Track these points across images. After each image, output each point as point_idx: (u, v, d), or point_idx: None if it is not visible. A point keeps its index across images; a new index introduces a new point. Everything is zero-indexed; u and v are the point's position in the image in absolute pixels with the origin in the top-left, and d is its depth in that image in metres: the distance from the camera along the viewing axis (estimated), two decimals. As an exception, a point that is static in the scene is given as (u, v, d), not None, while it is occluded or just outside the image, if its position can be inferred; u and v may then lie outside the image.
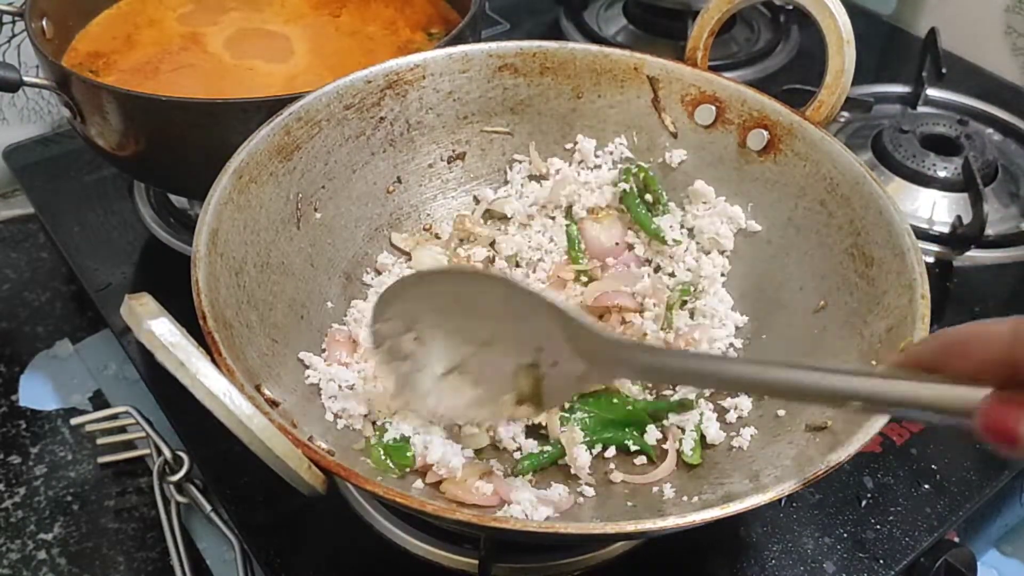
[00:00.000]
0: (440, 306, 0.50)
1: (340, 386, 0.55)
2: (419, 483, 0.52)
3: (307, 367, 0.56)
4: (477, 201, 0.70)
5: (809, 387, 0.38)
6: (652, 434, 0.56)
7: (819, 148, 0.60)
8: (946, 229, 0.82)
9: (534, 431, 0.57)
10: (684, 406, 0.57)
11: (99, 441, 0.73)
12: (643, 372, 0.48)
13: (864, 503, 0.62)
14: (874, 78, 1.01)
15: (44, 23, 0.76)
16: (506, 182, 0.70)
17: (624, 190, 0.66)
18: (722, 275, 0.65)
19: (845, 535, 0.61)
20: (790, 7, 1.09)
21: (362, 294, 0.63)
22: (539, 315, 0.46)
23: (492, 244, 0.67)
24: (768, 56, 1.08)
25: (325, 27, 0.84)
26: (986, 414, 0.32)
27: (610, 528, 0.41)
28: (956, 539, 0.63)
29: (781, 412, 0.55)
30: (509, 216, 0.68)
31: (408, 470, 0.52)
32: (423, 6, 0.88)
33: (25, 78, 0.69)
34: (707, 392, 0.58)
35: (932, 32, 1.01)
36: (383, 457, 0.52)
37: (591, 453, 0.55)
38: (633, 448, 0.56)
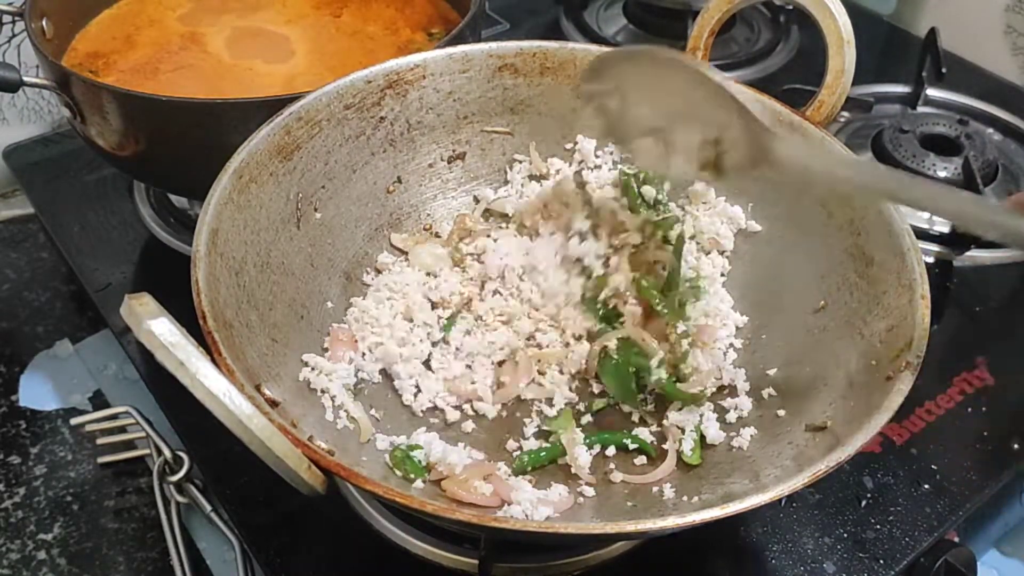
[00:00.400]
0: (643, 82, 0.56)
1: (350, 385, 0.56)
2: (419, 482, 0.52)
3: (307, 367, 0.56)
4: (477, 201, 0.70)
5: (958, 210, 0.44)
6: (647, 435, 0.57)
7: (819, 148, 0.60)
8: (946, 229, 0.82)
9: (544, 435, 0.57)
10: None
11: (99, 441, 0.73)
12: (811, 176, 0.52)
13: (864, 503, 0.62)
14: (874, 78, 1.01)
15: (44, 23, 0.76)
16: (506, 182, 0.70)
17: (625, 179, 0.66)
18: (722, 275, 0.65)
19: (845, 535, 0.61)
20: (790, 7, 1.09)
21: (362, 293, 0.63)
22: (725, 108, 0.51)
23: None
24: (768, 56, 1.08)
25: (326, 27, 0.84)
26: None
27: (610, 528, 0.41)
28: (956, 539, 0.63)
29: (781, 412, 0.55)
30: (510, 215, 0.68)
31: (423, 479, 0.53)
32: (423, 6, 0.88)
33: (25, 78, 0.69)
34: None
35: (932, 32, 1.01)
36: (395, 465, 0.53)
37: (591, 453, 0.55)
38: (632, 447, 0.56)
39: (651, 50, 0.56)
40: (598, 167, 0.69)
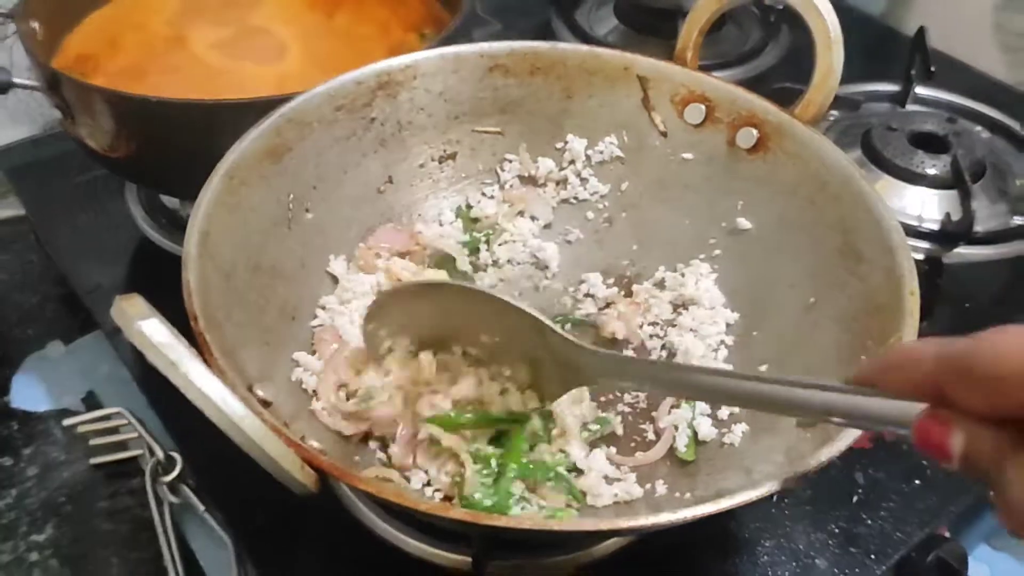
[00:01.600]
0: (431, 313, 0.53)
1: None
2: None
3: (299, 367, 0.56)
4: (469, 207, 0.70)
5: (768, 398, 0.41)
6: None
7: (808, 146, 0.61)
8: (935, 226, 0.83)
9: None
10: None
11: (91, 442, 0.72)
12: (617, 378, 0.51)
13: (855, 498, 0.63)
14: (863, 77, 1.01)
15: (35, 25, 0.76)
16: (498, 182, 0.70)
17: None
18: (712, 271, 0.65)
19: (837, 530, 0.61)
20: (780, 6, 1.09)
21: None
22: (524, 326, 0.50)
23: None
24: (758, 55, 1.08)
25: (318, 28, 0.84)
26: (919, 428, 0.33)
27: (603, 524, 0.42)
28: (947, 534, 0.63)
29: (772, 409, 0.55)
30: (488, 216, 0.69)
31: None
32: (416, 7, 0.88)
33: (15, 79, 0.69)
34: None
35: (921, 31, 1.02)
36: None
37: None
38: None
39: (436, 283, 0.55)
40: (588, 167, 0.70)
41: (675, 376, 0.48)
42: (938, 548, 0.61)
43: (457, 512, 0.42)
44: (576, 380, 0.51)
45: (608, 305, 0.66)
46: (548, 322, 0.49)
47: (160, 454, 0.67)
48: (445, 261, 0.66)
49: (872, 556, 0.59)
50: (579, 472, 0.54)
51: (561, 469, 0.53)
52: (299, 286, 0.60)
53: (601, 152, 0.69)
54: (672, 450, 0.57)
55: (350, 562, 0.59)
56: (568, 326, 0.64)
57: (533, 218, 0.70)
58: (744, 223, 0.65)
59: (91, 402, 0.77)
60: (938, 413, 0.33)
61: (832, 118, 0.96)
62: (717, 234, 0.66)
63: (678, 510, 0.42)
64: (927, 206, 0.85)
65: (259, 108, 0.60)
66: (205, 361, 0.40)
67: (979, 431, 0.32)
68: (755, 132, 0.63)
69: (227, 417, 0.39)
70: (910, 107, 0.99)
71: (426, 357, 0.54)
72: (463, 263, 0.66)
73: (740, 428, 0.56)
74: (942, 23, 1.08)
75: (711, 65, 1.02)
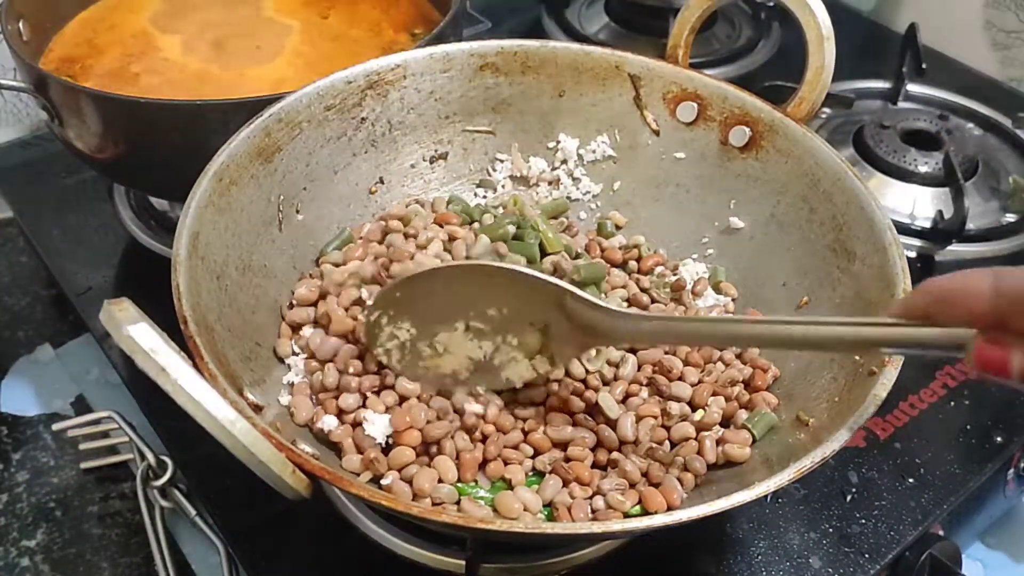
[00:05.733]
0: (433, 295, 0.51)
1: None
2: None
3: (291, 370, 0.56)
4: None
5: (818, 338, 0.44)
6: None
7: (800, 144, 0.61)
8: (928, 224, 0.83)
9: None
10: None
11: (82, 446, 0.72)
12: (640, 337, 0.52)
13: (849, 498, 0.63)
14: (855, 74, 1.02)
15: (20, 25, 0.75)
16: (489, 181, 0.70)
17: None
18: (705, 270, 0.65)
19: (831, 530, 0.61)
20: (771, 4, 1.09)
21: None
22: (538, 294, 0.49)
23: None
24: (749, 53, 1.08)
25: (310, 30, 0.83)
26: (979, 351, 0.37)
27: (597, 527, 0.41)
28: (941, 532, 0.63)
29: (765, 409, 0.55)
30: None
31: None
32: (407, 7, 0.87)
33: (1, 81, 0.68)
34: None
35: (912, 28, 1.02)
36: None
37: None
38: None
39: (439, 267, 0.54)
40: (580, 166, 0.69)
41: (723, 329, 0.48)
42: (932, 546, 0.61)
43: (450, 516, 0.41)
44: (596, 341, 0.51)
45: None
46: (572, 288, 0.49)
47: (151, 458, 0.67)
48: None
49: (866, 555, 0.59)
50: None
51: None
52: (290, 287, 0.60)
53: (593, 151, 0.69)
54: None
55: (342, 566, 0.59)
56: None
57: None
58: (737, 222, 0.64)
59: (81, 406, 0.77)
60: (996, 337, 0.37)
61: (824, 116, 0.96)
62: (710, 233, 0.66)
63: (671, 512, 0.42)
64: (919, 204, 0.85)
65: (249, 109, 0.60)
66: (195, 365, 0.40)
67: None
68: (747, 130, 0.63)
69: (218, 422, 0.38)
70: (902, 104, 0.99)
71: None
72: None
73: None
74: (933, 20, 1.08)
75: (703, 63, 1.02)
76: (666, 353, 0.57)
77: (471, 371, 0.52)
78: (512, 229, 0.62)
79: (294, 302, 0.59)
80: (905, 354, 0.44)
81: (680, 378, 0.56)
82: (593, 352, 0.54)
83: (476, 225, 0.65)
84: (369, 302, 0.54)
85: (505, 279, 0.50)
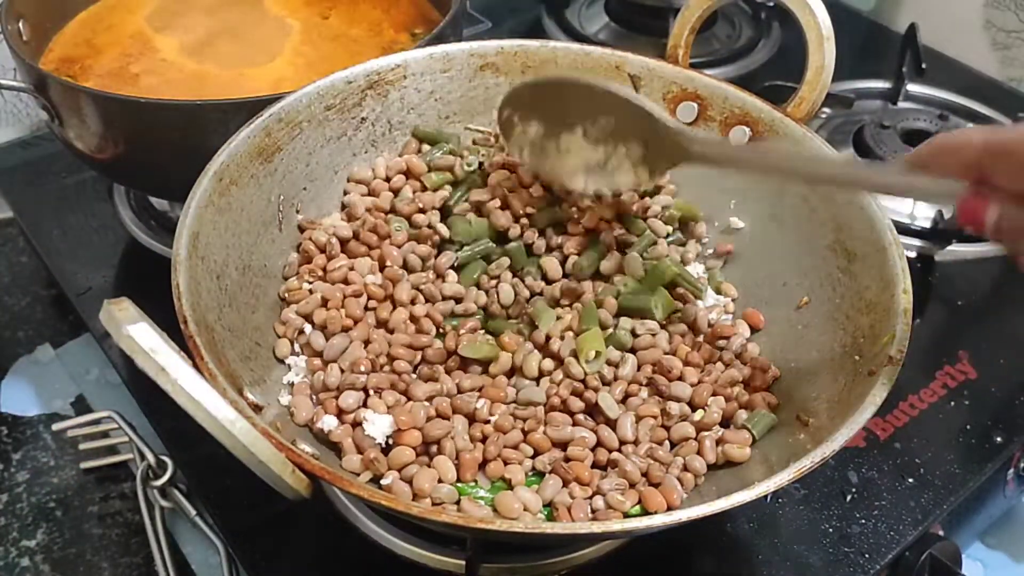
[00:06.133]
0: (559, 105, 0.59)
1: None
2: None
3: (290, 370, 0.56)
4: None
5: (842, 177, 0.50)
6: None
7: (801, 144, 0.61)
8: (927, 224, 0.83)
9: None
10: None
11: (82, 446, 0.72)
12: (716, 162, 0.56)
13: (849, 498, 0.63)
14: (855, 74, 1.02)
15: (20, 25, 0.75)
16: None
17: None
18: (705, 270, 0.65)
19: (831, 530, 0.61)
20: (771, 4, 1.09)
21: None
22: (635, 113, 0.56)
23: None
24: (749, 53, 1.08)
25: (310, 30, 0.83)
26: (962, 202, 0.41)
27: (597, 527, 0.41)
28: (941, 532, 0.63)
29: (765, 409, 0.55)
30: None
31: None
32: (407, 7, 0.87)
33: (1, 81, 0.68)
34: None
35: (912, 27, 1.02)
36: None
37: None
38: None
39: (557, 77, 0.62)
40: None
41: (765, 159, 0.54)
42: (932, 546, 0.61)
43: (450, 516, 0.41)
44: (683, 158, 0.55)
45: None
46: (656, 112, 0.55)
47: (151, 458, 0.67)
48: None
49: (866, 555, 0.59)
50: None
51: None
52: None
53: (593, 151, 0.69)
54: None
55: (342, 566, 0.59)
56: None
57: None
58: (737, 222, 0.64)
59: (81, 406, 0.77)
60: (979, 190, 0.40)
61: (824, 116, 0.96)
62: (710, 233, 0.66)
63: (671, 512, 0.42)
64: (919, 204, 0.85)
65: (249, 109, 0.60)
66: (195, 365, 0.40)
67: (1011, 208, 0.39)
68: (747, 130, 0.63)
69: (218, 422, 0.38)
70: (902, 104, 0.99)
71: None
72: None
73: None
74: (933, 20, 1.08)
75: (703, 63, 1.02)
76: (665, 354, 0.57)
77: (588, 172, 0.59)
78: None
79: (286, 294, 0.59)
80: (909, 197, 0.51)
81: (680, 378, 0.56)
82: (592, 354, 0.54)
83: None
84: (500, 99, 0.62)
85: (609, 96, 0.57)
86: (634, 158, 0.57)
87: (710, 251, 0.66)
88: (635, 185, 0.59)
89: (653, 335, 0.57)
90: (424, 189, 0.64)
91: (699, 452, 0.52)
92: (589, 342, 0.55)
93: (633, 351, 0.57)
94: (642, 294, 0.58)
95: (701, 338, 0.59)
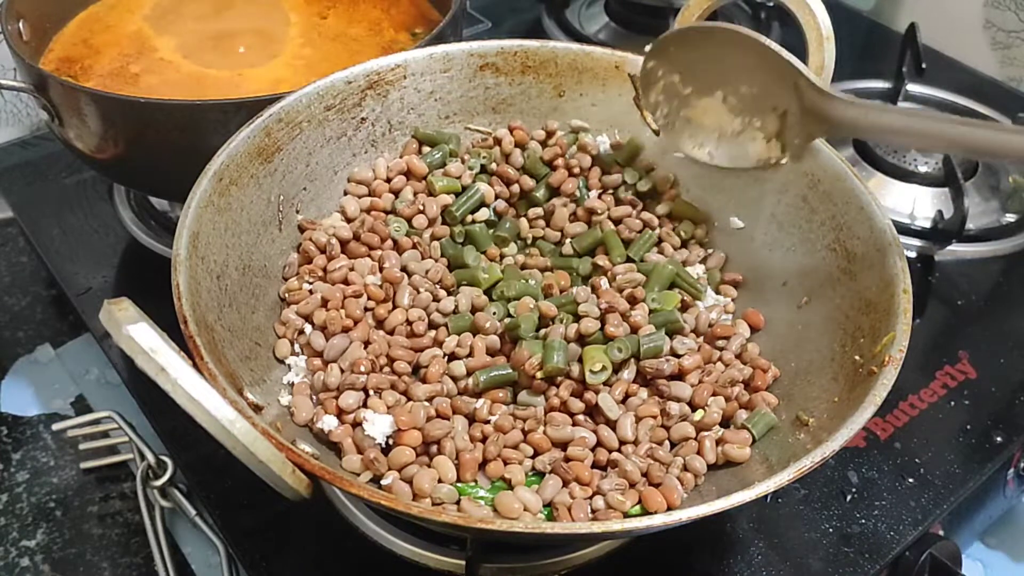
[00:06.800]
0: (702, 57, 0.59)
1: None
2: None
3: (290, 370, 0.56)
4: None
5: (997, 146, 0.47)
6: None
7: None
8: (927, 224, 0.83)
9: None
10: None
11: (82, 446, 0.72)
12: (864, 130, 0.55)
13: (849, 498, 0.63)
14: (855, 74, 1.02)
15: (20, 25, 0.75)
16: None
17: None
18: (705, 271, 0.65)
19: (831, 530, 0.61)
20: (771, 3, 1.09)
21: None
22: (779, 74, 0.55)
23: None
24: (749, 53, 1.08)
25: (310, 30, 0.83)
26: None
27: (596, 527, 0.41)
28: (941, 532, 0.63)
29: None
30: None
31: None
32: (407, 7, 0.87)
33: (1, 81, 0.68)
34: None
35: (912, 27, 1.02)
36: None
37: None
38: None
39: (706, 25, 0.60)
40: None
41: (916, 125, 0.51)
42: (932, 546, 0.61)
43: (450, 516, 0.41)
44: (820, 131, 0.54)
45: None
46: (805, 71, 0.53)
47: (151, 458, 0.67)
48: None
49: (866, 555, 0.59)
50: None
51: None
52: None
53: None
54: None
55: (342, 566, 0.59)
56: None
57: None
58: (736, 222, 0.64)
59: (81, 406, 0.77)
60: None
61: (824, 116, 0.95)
62: (709, 233, 0.66)
63: (672, 512, 0.42)
64: (919, 204, 0.85)
65: (248, 109, 0.60)
66: (195, 365, 0.40)
67: None
68: (747, 130, 0.63)
69: (218, 422, 0.38)
70: (902, 104, 0.99)
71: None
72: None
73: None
74: (933, 20, 1.08)
75: (702, 63, 1.01)
76: (665, 354, 0.57)
77: (719, 140, 0.60)
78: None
79: (286, 294, 0.58)
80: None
81: (680, 378, 0.56)
82: (598, 366, 0.54)
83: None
84: (647, 48, 0.61)
85: (755, 51, 0.55)
86: (768, 132, 0.57)
87: (710, 250, 0.66)
88: (765, 160, 0.59)
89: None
90: (428, 192, 0.64)
91: (699, 452, 0.52)
92: (595, 354, 0.55)
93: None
94: (667, 309, 0.58)
95: (701, 338, 0.59)
